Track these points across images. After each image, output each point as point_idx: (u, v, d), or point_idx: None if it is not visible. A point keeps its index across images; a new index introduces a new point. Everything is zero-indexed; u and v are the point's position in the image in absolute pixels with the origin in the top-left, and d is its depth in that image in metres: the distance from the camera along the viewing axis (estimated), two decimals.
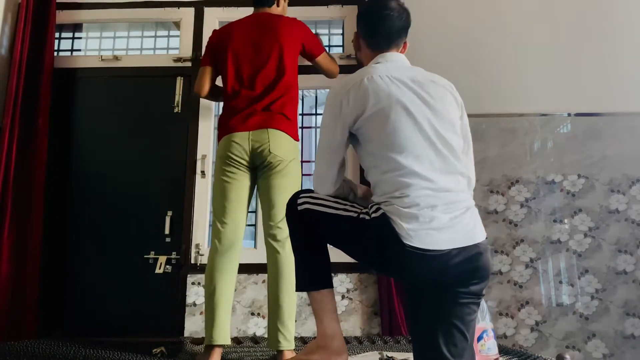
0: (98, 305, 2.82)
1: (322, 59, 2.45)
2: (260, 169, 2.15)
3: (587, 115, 2.99)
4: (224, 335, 2.03)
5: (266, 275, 2.78)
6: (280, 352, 2.03)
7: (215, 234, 2.12)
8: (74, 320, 2.81)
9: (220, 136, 2.21)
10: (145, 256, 2.85)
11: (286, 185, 2.12)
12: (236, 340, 2.49)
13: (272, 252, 2.10)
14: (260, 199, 2.19)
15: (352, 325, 2.78)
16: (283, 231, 2.10)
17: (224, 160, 2.14)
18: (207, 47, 2.38)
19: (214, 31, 2.42)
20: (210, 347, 2.02)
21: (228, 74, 2.24)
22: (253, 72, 2.20)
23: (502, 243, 2.87)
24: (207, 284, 2.08)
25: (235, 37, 2.28)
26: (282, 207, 2.09)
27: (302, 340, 2.46)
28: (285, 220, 2.11)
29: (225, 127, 2.18)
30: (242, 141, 2.11)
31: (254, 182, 2.20)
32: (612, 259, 2.83)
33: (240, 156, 2.12)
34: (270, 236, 2.12)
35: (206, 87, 2.32)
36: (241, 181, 2.14)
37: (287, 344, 2.03)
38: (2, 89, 2.91)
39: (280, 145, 2.11)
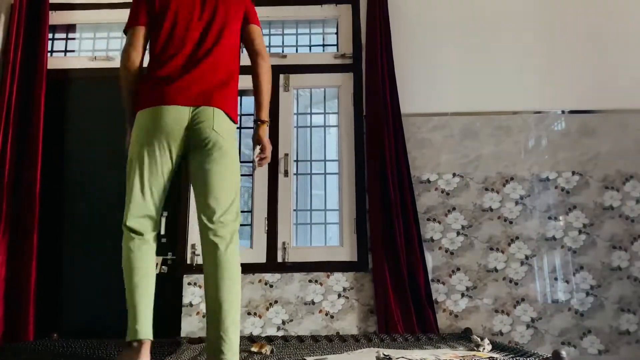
0: (94, 306, 2.81)
1: (260, 31, 2.06)
2: (197, 148, 1.83)
3: (580, 112, 3.01)
4: (146, 330, 1.71)
5: (264, 275, 2.82)
6: None
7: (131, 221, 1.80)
8: (71, 321, 2.80)
9: (144, 104, 1.84)
10: None
11: (226, 169, 1.83)
12: None
13: (212, 249, 1.76)
14: (195, 186, 1.86)
15: (349, 324, 2.78)
16: (225, 225, 1.79)
17: (151, 134, 1.79)
18: None
19: None
20: (137, 343, 1.68)
21: (161, 34, 1.89)
22: (193, 34, 1.88)
23: (498, 240, 2.88)
24: (128, 275, 1.76)
25: None
26: (223, 196, 1.81)
27: (300, 340, 2.46)
28: (228, 213, 1.80)
29: (153, 95, 1.82)
30: (181, 115, 1.79)
31: (179, 166, 1.90)
32: (606, 256, 2.84)
33: (175, 132, 1.79)
34: (210, 231, 1.78)
35: (139, 58, 1.91)
36: (167, 161, 1.83)
37: (232, 356, 1.68)
38: None
39: (223, 123, 1.83)
